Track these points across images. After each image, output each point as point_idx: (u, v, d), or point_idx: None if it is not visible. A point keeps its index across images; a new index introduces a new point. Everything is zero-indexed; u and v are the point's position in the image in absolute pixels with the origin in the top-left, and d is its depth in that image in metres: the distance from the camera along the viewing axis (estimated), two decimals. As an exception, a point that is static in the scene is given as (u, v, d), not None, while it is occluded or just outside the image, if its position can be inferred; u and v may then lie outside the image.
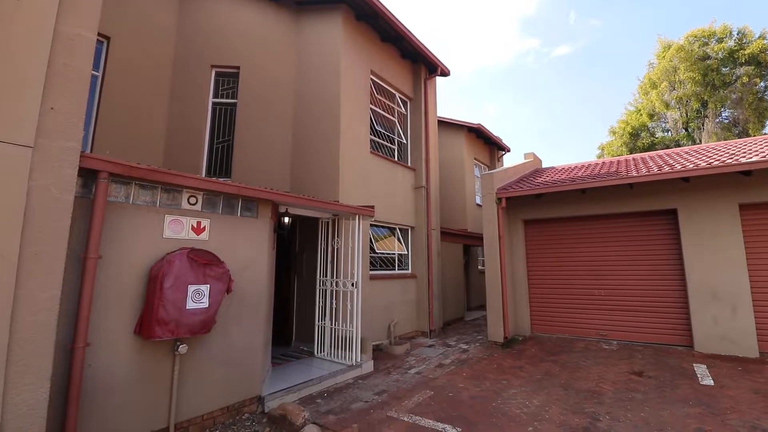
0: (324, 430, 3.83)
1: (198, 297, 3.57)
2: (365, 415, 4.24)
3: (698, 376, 5.29)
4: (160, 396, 3.56)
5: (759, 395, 4.51)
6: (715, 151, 8.21)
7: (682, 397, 4.55)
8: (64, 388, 2.94)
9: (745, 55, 19.58)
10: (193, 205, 3.96)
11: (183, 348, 3.60)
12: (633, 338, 7.36)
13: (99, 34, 6.64)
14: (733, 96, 20.35)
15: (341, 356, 5.98)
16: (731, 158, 6.58)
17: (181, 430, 3.70)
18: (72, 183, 2.89)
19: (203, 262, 3.66)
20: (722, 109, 21.42)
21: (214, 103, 7.99)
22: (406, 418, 4.12)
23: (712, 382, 5.01)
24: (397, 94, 9.37)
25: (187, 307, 3.49)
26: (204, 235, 4.00)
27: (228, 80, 8.11)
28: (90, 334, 3.10)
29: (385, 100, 8.96)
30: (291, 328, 7.34)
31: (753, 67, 19.52)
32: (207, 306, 3.63)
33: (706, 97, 20.98)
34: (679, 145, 21.91)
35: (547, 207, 8.42)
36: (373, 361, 6.14)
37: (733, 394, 4.58)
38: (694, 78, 20.80)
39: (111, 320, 3.28)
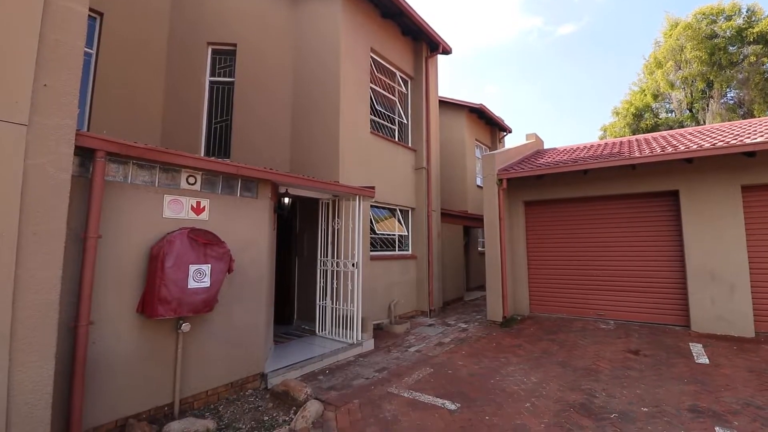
0: (326, 405, 3.91)
1: (199, 276, 3.58)
2: (366, 391, 4.32)
3: (694, 354, 5.38)
4: (165, 372, 3.62)
5: (753, 373, 4.58)
6: (719, 132, 8.12)
7: (677, 375, 4.62)
8: (70, 364, 2.98)
9: (753, 33, 19.12)
10: (192, 185, 3.93)
11: (186, 326, 3.64)
12: (630, 318, 7.45)
13: (91, 10, 6.48)
14: (740, 76, 19.99)
15: (342, 335, 6.06)
16: (735, 139, 6.51)
17: (186, 405, 3.78)
18: (69, 162, 2.85)
19: (203, 242, 3.66)
20: (728, 90, 21.08)
21: (211, 82, 7.85)
22: (406, 394, 4.20)
23: (707, 361, 5.09)
24: (398, 73, 9.19)
25: (189, 287, 3.50)
26: (204, 215, 3.98)
27: (225, 58, 7.94)
28: (93, 313, 3.13)
29: (385, 79, 8.80)
30: (292, 307, 7.41)
31: (761, 46, 19.10)
32: (208, 285, 3.65)
33: (711, 77, 20.61)
34: (682, 126, 21.68)
35: (549, 188, 8.38)
36: (373, 339, 6.22)
37: (728, 372, 4.66)
38: (701, 57, 20.38)
39: (113, 299, 3.30)
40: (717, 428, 3.29)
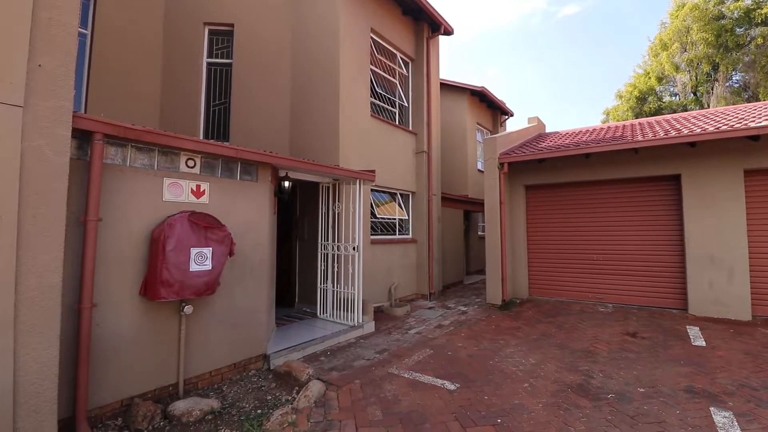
0: (328, 385, 3.98)
1: (201, 259, 3.59)
2: (367, 371, 4.39)
3: (691, 337, 5.44)
4: (169, 353, 3.67)
5: (749, 356, 4.64)
6: (723, 116, 8.03)
7: (673, 357, 4.69)
8: (75, 346, 3.02)
9: (761, 14, 18.69)
10: (192, 168, 3.90)
11: (188, 309, 3.67)
12: (629, 301, 7.52)
13: (84, -13, 6.32)
14: (746, 58, 19.67)
15: (343, 317, 6.12)
16: (740, 122, 6.44)
17: (191, 385, 3.85)
18: (66, 144, 2.81)
19: (204, 225, 3.65)
20: (733, 73, 20.79)
21: (208, 64, 7.72)
22: (406, 375, 4.27)
23: (703, 343, 5.15)
24: (399, 54, 9.03)
25: (191, 270, 3.51)
26: (204, 199, 3.97)
27: (222, 39, 7.79)
28: (96, 296, 3.15)
29: (385, 61, 8.65)
30: (294, 290, 7.47)
31: (769, 28, 18.73)
32: (210, 268, 3.66)
33: (717, 60, 20.28)
34: (686, 110, 21.43)
35: (550, 172, 8.34)
36: (374, 322, 6.29)
37: (724, 354, 4.73)
38: (707, 39, 20.01)
39: (116, 282, 3.32)
40: (712, 408, 3.35)
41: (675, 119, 9.28)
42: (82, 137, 3.13)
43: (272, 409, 3.49)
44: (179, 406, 3.29)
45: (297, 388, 3.93)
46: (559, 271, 8.35)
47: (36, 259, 2.64)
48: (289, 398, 3.74)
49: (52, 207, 2.73)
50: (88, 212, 3.05)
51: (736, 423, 3.10)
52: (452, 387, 3.93)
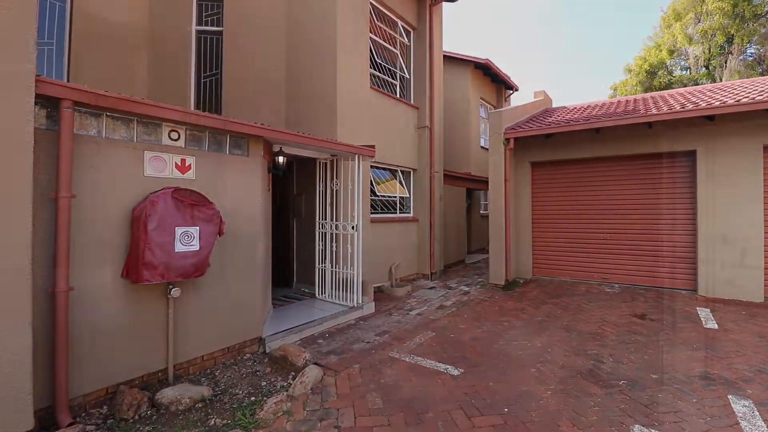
0: (326, 370, 3.80)
1: (187, 240, 3.34)
2: (367, 355, 4.22)
3: (702, 319, 5.25)
4: (157, 338, 3.47)
5: (764, 339, 4.46)
6: (741, 88, 7.61)
7: (685, 340, 4.51)
8: (52, 332, 2.80)
9: (782, -19, 17.83)
10: (175, 140, 3.60)
11: (176, 291, 3.45)
12: (636, 281, 7.32)
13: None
14: (762, 30, 18.87)
15: (342, 298, 5.94)
16: (760, 95, 6.06)
17: (181, 370, 3.67)
18: (30, 112, 2.52)
19: (190, 202, 3.39)
20: (748, 45, 19.99)
21: (198, 32, 7.26)
22: (407, 359, 4.10)
23: (716, 326, 4.96)
24: (400, 23, 8.52)
25: (177, 250, 3.27)
26: (190, 174, 3.68)
27: (212, 5, 7.29)
28: (74, 278, 2.91)
29: (386, 29, 8.15)
30: (292, 270, 7.27)
31: (789, -4, 17.87)
32: (198, 249, 3.42)
33: (732, 31, 19.47)
34: (698, 84, 20.75)
35: (557, 148, 8.00)
36: (374, 302, 6.11)
37: (738, 338, 4.54)
38: (723, 8, 19.14)
39: (95, 264, 3.07)
40: (730, 396, 3.17)
41: (689, 92, 8.84)
42: (49, 105, 2.83)
43: (266, 396, 3.31)
44: (168, 394, 3.12)
45: (293, 373, 3.76)
46: (564, 251, 8.13)
47: (0, 240, 2.40)
48: (285, 384, 3.56)
49: (15, 182, 2.47)
50: (59, 188, 2.78)
51: (758, 413, 2.92)
52: (456, 372, 3.76)
